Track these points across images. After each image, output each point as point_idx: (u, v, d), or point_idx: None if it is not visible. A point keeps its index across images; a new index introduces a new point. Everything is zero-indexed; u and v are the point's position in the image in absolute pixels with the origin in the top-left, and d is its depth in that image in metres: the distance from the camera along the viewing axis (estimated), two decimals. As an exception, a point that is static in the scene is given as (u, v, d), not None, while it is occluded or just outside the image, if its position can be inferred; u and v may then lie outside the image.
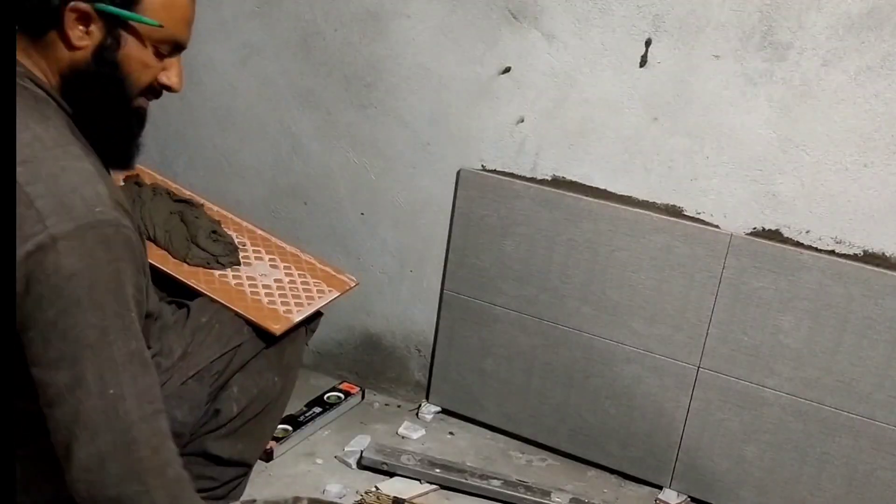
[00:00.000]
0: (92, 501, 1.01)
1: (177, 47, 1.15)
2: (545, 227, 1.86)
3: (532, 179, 1.87)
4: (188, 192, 1.73)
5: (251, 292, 1.53)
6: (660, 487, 1.87)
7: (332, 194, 2.10)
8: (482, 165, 1.92)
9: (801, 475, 1.74)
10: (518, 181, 1.87)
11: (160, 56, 1.13)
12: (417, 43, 1.90)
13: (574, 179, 1.84)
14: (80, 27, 1.07)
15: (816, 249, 1.66)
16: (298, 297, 1.57)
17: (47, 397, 1.01)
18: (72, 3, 1.05)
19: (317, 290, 1.61)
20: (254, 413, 1.47)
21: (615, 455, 1.91)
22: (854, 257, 1.64)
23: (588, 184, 1.83)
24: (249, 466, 1.54)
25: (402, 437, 1.98)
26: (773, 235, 1.70)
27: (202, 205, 1.70)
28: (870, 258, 1.63)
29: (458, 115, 1.91)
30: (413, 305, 2.07)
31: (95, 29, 1.08)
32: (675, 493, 1.84)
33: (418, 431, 1.99)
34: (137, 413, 1.02)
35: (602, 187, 1.82)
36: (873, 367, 1.64)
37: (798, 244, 1.68)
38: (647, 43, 1.70)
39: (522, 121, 1.85)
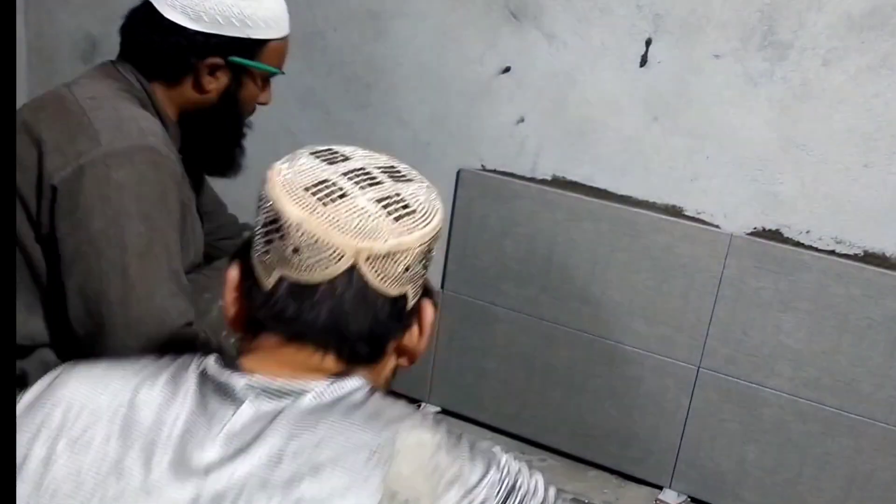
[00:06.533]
0: None
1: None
2: (545, 227, 1.86)
3: (532, 179, 1.87)
4: None
5: None
6: (660, 487, 1.87)
7: (331, 194, 2.09)
8: (482, 165, 1.92)
9: (801, 475, 1.74)
10: (518, 181, 1.87)
11: (265, 87, 1.32)
12: (417, 43, 1.90)
13: (574, 179, 1.84)
14: (210, 75, 1.24)
15: (817, 249, 1.66)
16: None
17: (95, 307, 1.08)
18: (208, 60, 1.22)
19: None
20: None
21: (615, 455, 1.91)
22: (854, 257, 1.64)
23: (588, 184, 1.83)
24: None
25: (402, 437, 1.97)
26: (774, 235, 1.70)
27: None
28: (870, 258, 1.63)
29: (458, 115, 1.91)
30: (413, 305, 2.06)
31: (222, 75, 1.25)
32: (675, 493, 1.84)
33: (418, 431, 1.99)
34: (179, 323, 1.10)
35: (602, 187, 1.82)
36: (873, 368, 1.64)
37: (798, 244, 1.68)
38: (648, 42, 1.70)
39: (522, 121, 1.85)
